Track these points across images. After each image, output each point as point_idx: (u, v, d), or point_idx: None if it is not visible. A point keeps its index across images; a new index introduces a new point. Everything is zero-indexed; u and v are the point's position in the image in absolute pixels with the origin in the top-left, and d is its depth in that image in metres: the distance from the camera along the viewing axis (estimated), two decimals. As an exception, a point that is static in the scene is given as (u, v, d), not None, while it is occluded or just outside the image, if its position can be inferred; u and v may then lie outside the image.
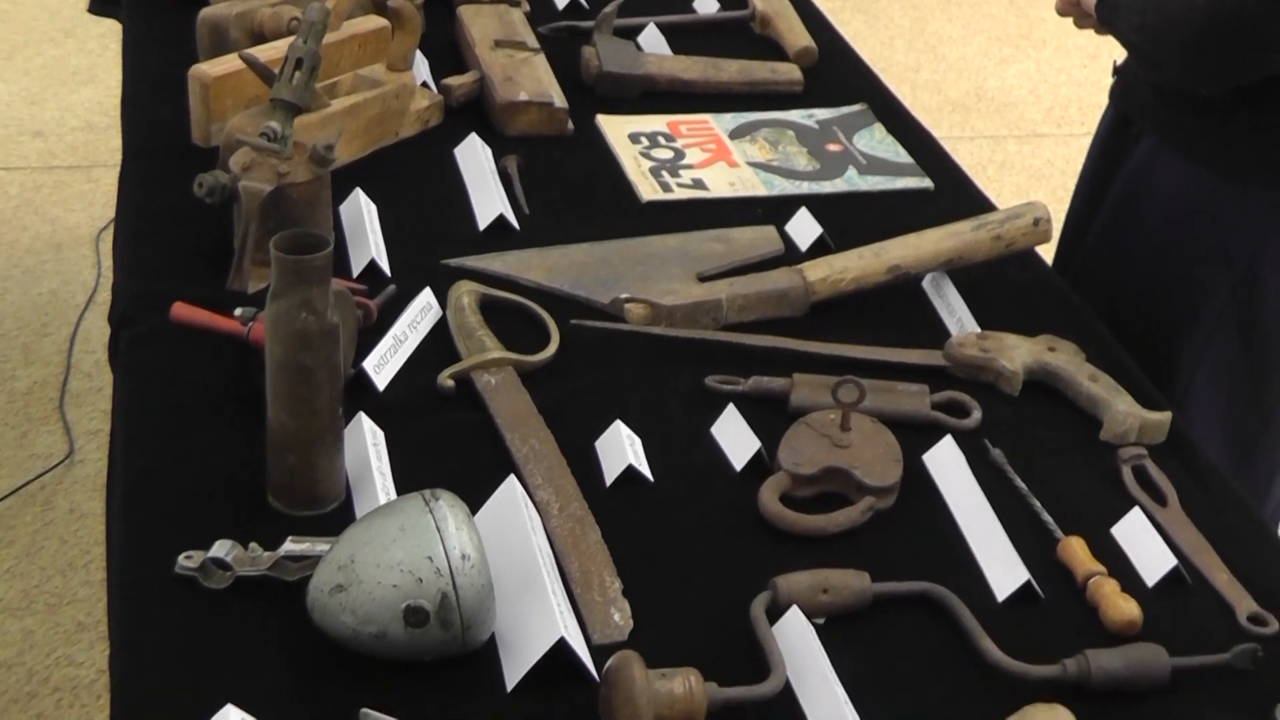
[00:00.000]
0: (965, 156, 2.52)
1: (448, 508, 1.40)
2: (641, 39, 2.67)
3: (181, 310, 1.81)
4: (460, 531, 1.38)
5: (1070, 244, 2.33)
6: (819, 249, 2.11)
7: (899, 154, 2.43)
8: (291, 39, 1.97)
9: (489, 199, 2.16)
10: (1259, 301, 2.07)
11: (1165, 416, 1.81)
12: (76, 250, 4.02)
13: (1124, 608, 1.52)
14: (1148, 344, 2.09)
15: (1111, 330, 2.03)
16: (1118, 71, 2.26)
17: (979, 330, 1.95)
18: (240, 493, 1.60)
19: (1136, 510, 1.67)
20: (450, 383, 1.79)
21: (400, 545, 1.37)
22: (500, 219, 2.12)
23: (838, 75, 2.69)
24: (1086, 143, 2.39)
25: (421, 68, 2.47)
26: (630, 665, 1.33)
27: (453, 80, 2.44)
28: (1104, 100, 2.34)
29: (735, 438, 1.74)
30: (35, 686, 2.75)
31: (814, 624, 1.47)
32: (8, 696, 2.72)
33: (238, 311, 1.81)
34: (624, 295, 1.95)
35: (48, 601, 2.93)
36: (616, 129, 2.44)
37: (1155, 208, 2.14)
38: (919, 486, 1.71)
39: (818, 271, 2.00)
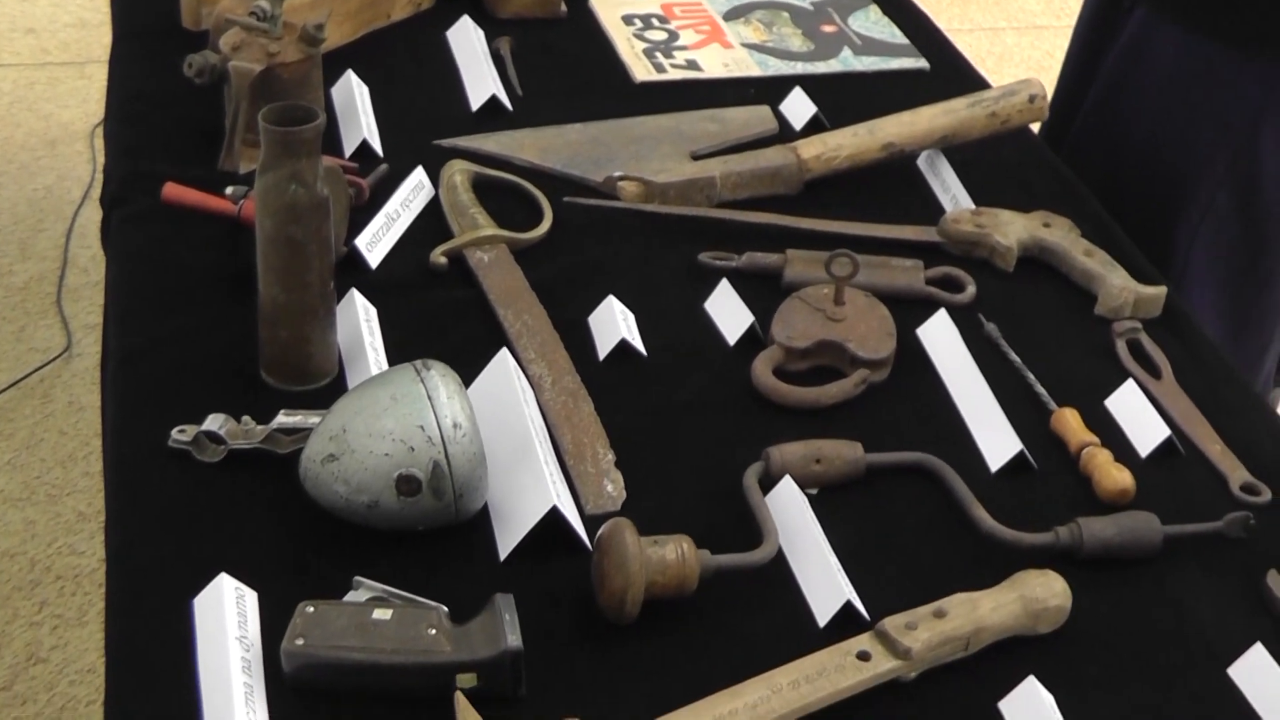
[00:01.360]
0: (964, 49, 2.49)
1: (439, 377, 1.40)
2: (635, -79, 2.64)
3: (173, 191, 1.80)
4: (452, 400, 1.38)
5: (1059, 123, 2.30)
6: (813, 129, 2.09)
7: (894, 35, 2.41)
8: (280, -83, 1.95)
9: (481, 81, 2.14)
10: (1258, 173, 2.04)
11: (1160, 291, 1.80)
12: (71, 146, 4.01)
13: (1117, 477, 1.52)
14: (1144, 220, 2.07)
15: (1107, 208, 2.01)
16: None
17: (974, 207, 1.94)
18: (233, 369, 1.60)
19: (1130, 382, 1.66)
20: (443, 260, 1.78)
21: (392, 414, 1.37)
22: (493, 100, 2.10)
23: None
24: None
25: (413, -50, 2.44)
26: (623, 531, 1.33)
27: (444, -37, 2.41)
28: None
29: (728, 312, 1.74)
30: (38, 575, 2.76)
31: (806, 494, 1.47)
32: (11, 585, 2.74)
33: (229, 190, 1.80)
34: (617, 173, 1.94)
35: (48, 492, 2.95)
36: (610, 11, 2.42)
37: (1150, 81, 2.11)
38: (913, 361, 1.70)
39: (812, 149, 1.98)
